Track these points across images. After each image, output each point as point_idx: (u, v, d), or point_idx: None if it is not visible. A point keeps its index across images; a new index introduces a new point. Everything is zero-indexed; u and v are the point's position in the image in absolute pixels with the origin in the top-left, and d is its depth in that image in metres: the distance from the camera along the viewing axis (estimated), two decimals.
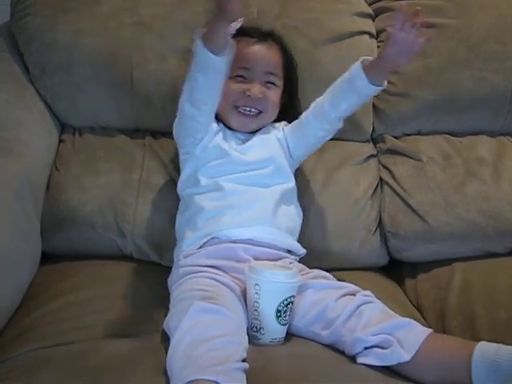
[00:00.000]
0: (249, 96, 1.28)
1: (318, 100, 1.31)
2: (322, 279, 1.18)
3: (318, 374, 1.00)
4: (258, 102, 1.29)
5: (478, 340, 1.10)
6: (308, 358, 1.05)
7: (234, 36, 1.18)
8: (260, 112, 1.31)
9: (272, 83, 1.32)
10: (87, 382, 0.95)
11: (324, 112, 1.29)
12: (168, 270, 1.25)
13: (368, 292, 1.14)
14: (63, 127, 1.50)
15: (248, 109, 1.30)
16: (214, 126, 1.31)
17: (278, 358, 1.04)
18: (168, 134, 1.43)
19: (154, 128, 1.48)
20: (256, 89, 1.29)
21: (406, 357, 1.01)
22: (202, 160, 1.29)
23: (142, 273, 1.33)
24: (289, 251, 1.27)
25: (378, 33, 1.52)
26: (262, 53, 1.32)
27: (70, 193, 1.38)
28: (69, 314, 1.14)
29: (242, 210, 1.23)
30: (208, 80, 1.19)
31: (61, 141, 1.47)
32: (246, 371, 0.95)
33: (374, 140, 1.55)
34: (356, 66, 1.24)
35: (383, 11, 1.53)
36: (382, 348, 1.03)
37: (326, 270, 1.23)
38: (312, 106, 1.32)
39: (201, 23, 1.41)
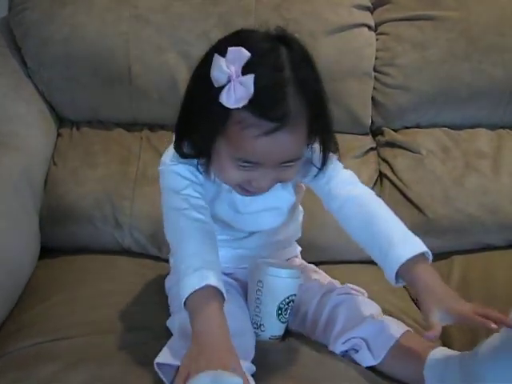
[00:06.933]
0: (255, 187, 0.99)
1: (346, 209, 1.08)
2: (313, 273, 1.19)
3: (316, 372, 1.00)
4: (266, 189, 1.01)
5: (475, 334, 1.10)
6: (305, 355, 1.05)
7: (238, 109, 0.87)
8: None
9: (289, 165, 0.97)
10: (88, 374, 0.95)
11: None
12: (167, 263, 1.24)
13: (344, 287, 1.13)
14: (61, 121, 1.50)
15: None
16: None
17: (275, 354, 1.03)
18: (166, 126, 1.44)
19: (151, 121, 1.48)
20: (264, 182, 0.97)
21: (372, 361, 1.02)
22: None
23: (141, 267, 1.32)
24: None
25: (377, 25, 1.51)
26: (275, 146, 0.92)
27: (67, 186, 1.38)
28: (68, 309, 1.14)
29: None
30: None
31: (58, 135, 1.47)
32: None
33: (373, 133, 1.54)
34: (395, 267, 1.01)
35: (382, 4, 1.53)
36: (355, 350, 1.04)
37: (327, 263, 1.23)
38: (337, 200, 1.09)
39: (198, 16, 1.43)
